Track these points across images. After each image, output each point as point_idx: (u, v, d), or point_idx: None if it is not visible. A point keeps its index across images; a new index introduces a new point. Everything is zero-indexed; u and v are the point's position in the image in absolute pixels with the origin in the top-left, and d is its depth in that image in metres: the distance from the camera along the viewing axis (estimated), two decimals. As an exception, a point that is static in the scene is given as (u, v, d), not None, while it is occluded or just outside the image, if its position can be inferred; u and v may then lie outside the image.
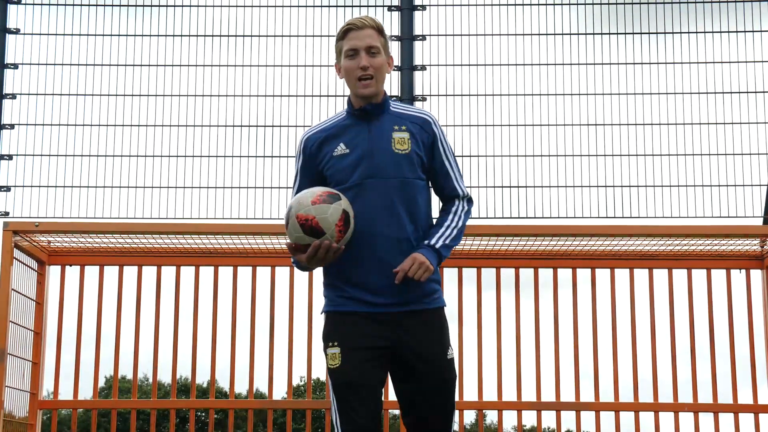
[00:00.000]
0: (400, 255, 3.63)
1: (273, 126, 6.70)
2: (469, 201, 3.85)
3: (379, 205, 3.63)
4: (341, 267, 3.69)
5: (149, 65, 6.78)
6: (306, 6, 6.85)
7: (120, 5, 6.88)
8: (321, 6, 6.84)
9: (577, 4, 6.80)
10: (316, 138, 3.78)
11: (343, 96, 6.69)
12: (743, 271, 6.33)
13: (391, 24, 6.77)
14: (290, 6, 6.85)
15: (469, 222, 6.20)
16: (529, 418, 6.30)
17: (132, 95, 6.76)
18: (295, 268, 3.88)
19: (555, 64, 6.72)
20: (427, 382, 3.63)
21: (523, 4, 6.79)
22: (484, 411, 6.36)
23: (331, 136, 3.76)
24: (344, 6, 6.82)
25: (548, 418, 6.27)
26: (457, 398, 6.14)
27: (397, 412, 4.40)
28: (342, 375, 3.57)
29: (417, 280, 3.57)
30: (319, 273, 6.26)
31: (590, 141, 6.61)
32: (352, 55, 3.72)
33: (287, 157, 6.67)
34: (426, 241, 3.66)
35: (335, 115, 3.90)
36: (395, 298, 3.63)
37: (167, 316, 6.32)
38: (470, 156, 6.59)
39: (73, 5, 6.87)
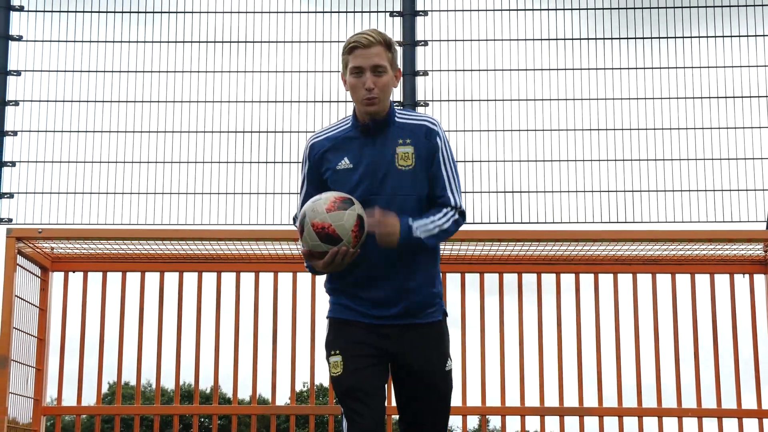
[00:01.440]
0: (401, 269, 3.64)
1: (276, 132, 6.72)
2: (462, 214, 3.74)
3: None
4: (343, 276, 3.69)
5: (151, 71, 6.80)
6: (308, 12, 6.86)
7: (122, 12, 6.90)
8: (323, 12, 6.85)
9: (580, 9, 6.80)
10: (320, 146, 3.73)
11: (345, 102, 6.70)
12: (747, 275, 6.31)
13: (393, 29, 6.78)
14: (293, 12, 6.86)
15: (473, 227, 6.23)
16: (533, 424, 6.30)
17: (135, 101, 6.78)
18: (309, 272, 3.86)
19: (558, 69, 6.72)
20: (424, 393, 3.68)
21: (524, 9, 6.81)
22: (487, 417, 6.36)
23: (335, 148, 3.70)
24: (346, 12, 6.83)
25: (551, 424, 6.26)
26: (460, 403, 6.16)
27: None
28: (344, 382, 3.60)
29: (382, 244, 3.51)
30: (321, 278, 6.28)
31: (593, 146, 6.61)
32: (358, 74, 3.63)
33: (290, 162, 6.68)
34: (409, 219, 3.57)
35: (342, 121, 3.82)
36: (394, 310, 3.64)
37: (170, 322, 6.32)
38: (473, 161, 6.60)
39: (75, 12, 6.89)
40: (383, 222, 3.50)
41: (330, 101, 6.72)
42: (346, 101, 6.72)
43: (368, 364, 3.61)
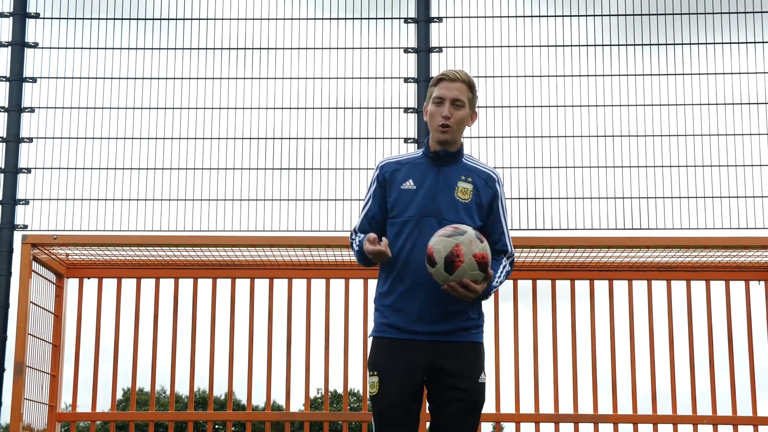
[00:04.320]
0: (443, 289, 3.80)
1: (291, 138, 6.72)
2: (512, 263, 4.04)
3: (425, 241, 3.82)
4: (389, 294, 3.92)
5: (167, 78, 6.82)
6: (322, 18, 6.87)
7: (138, 18, 6.92)
8: (338, 18, 6.86)
9: (595, 15, 6.79)
10: (391, 167, 4.03)
11: (367, 108, 6.72)
12: (762, 282, 6.28)
13: (408, 36, 6.78)
14: (307, 18, 6.88)
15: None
16: (547, 431, 6.29)
17: (149, 108, 6.79)
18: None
19: (572, 76, 6.71)
20: (457, 402, 3.81)
21: (539, 16, 6.80)
22: (501, 423, 6.34)
23: (404, 170, 4.00)
24: (361, 18, 6.84)
25: (566, 431, 6.25)
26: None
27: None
28: (380, 402, 3.85)
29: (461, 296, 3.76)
30: (337, 285, 6.29)
31: (608, 152, 6.60)
32: (439, 103, 3.96)
33: (304, 169, 6.68)
34: (490, 285, 3.84)
35: (414, 152, 4.14)
36: (434, 327, 3.85)
37: (184, 328, 6.33)
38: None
39: (91, 19, 6.92)
40: (471, 290, 3.73)
41: (344, 108, 6.72)
42: (367, 107, 6.73)
43: (403, 385, 3.84)
